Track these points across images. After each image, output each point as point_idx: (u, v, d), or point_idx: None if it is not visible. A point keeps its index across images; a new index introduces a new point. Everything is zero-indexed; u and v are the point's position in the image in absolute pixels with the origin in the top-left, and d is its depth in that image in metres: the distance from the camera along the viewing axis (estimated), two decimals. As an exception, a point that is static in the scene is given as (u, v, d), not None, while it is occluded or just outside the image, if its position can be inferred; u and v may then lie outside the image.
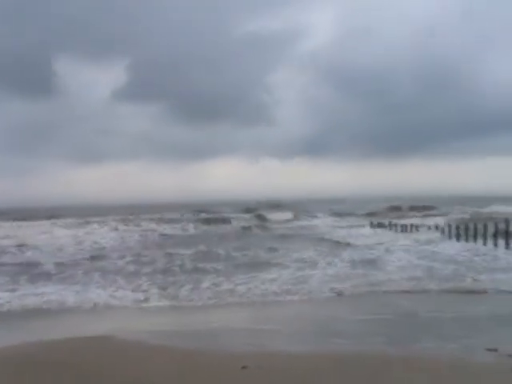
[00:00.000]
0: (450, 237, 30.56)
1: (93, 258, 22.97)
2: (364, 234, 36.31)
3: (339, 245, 27.39)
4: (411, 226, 36.69)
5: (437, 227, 33.31)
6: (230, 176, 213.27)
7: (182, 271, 19.26)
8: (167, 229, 41.77)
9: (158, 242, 32.04)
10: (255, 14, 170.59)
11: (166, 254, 23.42)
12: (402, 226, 38.08)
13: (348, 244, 27.55)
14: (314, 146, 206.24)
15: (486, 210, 56.12)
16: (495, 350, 8.27)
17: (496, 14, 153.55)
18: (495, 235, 26.43)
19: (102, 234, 36.19)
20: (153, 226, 44.29)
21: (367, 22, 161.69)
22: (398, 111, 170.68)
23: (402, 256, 22.58)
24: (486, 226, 27.17)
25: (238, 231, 39.45)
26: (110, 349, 8.85)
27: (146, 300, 14.15)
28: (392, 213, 60.52)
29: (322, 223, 48.18)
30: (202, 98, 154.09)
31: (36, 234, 36.13)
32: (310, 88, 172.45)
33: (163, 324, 11.44)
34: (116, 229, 41.61)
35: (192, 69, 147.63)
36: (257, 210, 65.24)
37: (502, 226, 26.60)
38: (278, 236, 33.23)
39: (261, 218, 53.55)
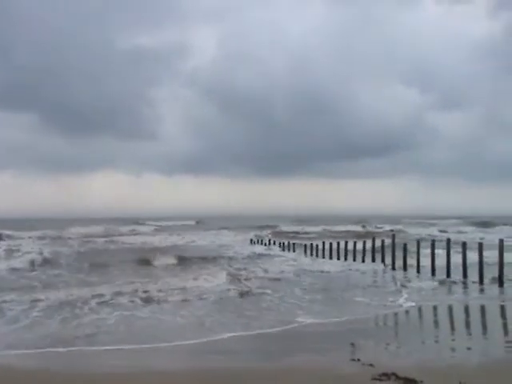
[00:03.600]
0: (324, 255, 32.27)
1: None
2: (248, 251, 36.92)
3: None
4: (289, 243, 38.10)
5: (312, 245, 34.90)
6: (110, 191, 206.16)
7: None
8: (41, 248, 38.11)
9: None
10: (140, 29, 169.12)
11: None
12: (280, 243, 39.46)
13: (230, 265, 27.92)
14: (198, 164, 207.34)
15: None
16: (358, 360, 8.91)
17: (368, 45, 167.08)
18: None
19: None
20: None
21: (249, 46, 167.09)
22: (279, 133, 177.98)
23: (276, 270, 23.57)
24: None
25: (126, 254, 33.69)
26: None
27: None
28: (274, 230, 62.39)
29: (208, 241, 48.07)
30: (81, 109, 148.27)
31: None
32: (194, 106, 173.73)
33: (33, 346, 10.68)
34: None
35: (71, 78, 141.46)
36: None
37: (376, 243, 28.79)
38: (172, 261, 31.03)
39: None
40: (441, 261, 22.15)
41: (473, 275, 20.52)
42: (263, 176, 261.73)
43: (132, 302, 15.82)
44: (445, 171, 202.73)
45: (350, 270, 25.46)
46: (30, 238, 47.75)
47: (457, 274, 21.36)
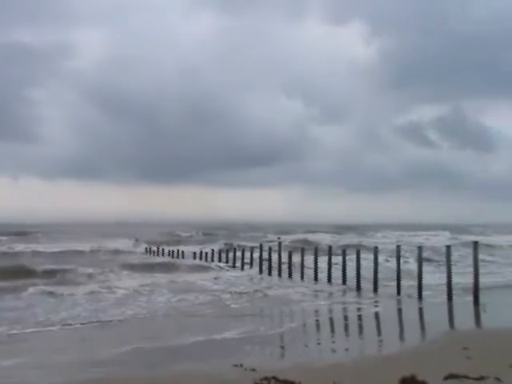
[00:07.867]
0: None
1: None
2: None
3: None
4: (178, 251, 37.62)
5: (201, 253, 34.83)
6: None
7: None
8: None
9: None
10: (18, 25, 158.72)
11: None
12: (170, 251, 38.82)
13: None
14: (82, 168, 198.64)
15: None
16: (241, 366, 8.97)
17: (257, 57, 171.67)
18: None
19: None
20: None
21: (138, 50, 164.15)
22: (168, 139, 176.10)
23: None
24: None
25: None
26: None
27: None
28: (165, 238, 60.94)
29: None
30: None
31: None
32: (79, 108, 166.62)
33: None
34: None
35: None
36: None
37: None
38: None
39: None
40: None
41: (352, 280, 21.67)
42: (151, 182, 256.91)
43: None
44: (326, 181, 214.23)
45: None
46: None
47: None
